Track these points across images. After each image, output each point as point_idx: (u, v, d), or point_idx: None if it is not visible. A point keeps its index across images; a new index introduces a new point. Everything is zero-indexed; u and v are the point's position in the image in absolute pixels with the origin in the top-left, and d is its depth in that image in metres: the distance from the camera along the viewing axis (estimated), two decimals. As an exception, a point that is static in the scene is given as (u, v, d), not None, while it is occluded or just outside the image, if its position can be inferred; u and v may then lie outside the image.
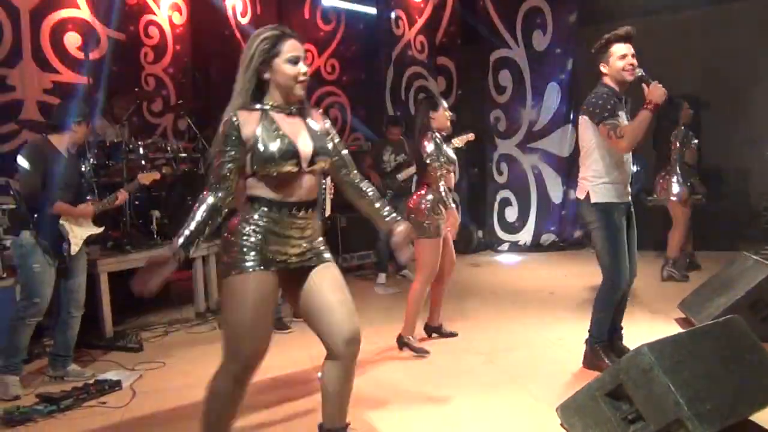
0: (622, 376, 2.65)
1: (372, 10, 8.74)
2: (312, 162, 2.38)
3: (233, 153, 2.31)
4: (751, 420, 2.81)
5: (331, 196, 5.25)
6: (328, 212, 5.22)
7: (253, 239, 2.32)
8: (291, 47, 2.37)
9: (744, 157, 8.39)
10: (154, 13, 7.15)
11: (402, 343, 4.33)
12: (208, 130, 6.87)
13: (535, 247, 8.38)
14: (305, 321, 2.49)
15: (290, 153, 2.32)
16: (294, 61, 2.36)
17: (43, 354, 4.39)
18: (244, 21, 8.04)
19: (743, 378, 2.68)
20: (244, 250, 2.31)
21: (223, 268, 2.35)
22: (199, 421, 2.50)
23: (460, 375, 3.88)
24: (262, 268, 2.31)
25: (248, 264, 2.30)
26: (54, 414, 3.44)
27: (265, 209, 2.34)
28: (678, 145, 6.21)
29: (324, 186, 5.19)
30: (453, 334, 4.66)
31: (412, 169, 6.12)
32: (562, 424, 2.97)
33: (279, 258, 2.36)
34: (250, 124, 2.32)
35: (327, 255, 2.49)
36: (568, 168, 7.88)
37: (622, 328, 3.95)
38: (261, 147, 2.29)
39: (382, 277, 6.73)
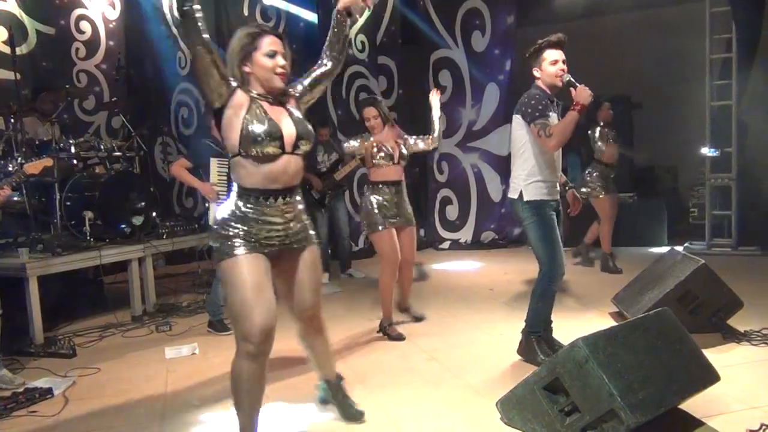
0: (558, 369, 2.72)
1: (312, 16, 8.68)
2: (296, 146, 2.62)
3: (221, 70, 2.51)
4: (681, 408, 2.93)
5: None
6: None
7: (238, 228, 2.56)
8: (268, 42, 2.61)
9: (673, 155, 8.75)
10: (86, 8, 6.91)
11: (382, 328, 4.68)
12: (143, 128, 6.71)
13: (476, 244, 8.50)
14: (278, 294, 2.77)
15: (275, 135, 2.55)
16: (271, 55, 2.59)
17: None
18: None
19: (673, 368, 2.79)
20: (232, 238, 2.56)
21: (216, 255, 2.61)
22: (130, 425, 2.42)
23: (403, 373, 3.90)
24: (248, 252, 2.55)
25: (237, 251, 2.54)
26: (-20, 425, 3.29)
27: (250, 198, 2.58)
28: (598, 144, 6.48)
29: None
30: (420, 318, 5.07)
31: (348, 168, 6.09)
32: (501, 418, 3.03)
33: (263, 242, 2.60)
34: (240, 101, 2.56)
35: (306, 240, 2.76)
36: (507, 167, 8.00)
37: (551, 321, 4.07)
38: (248, 128, 2.51)
39: (324, 277, 6.70)
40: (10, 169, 4.95)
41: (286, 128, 2.60)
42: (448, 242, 8.65)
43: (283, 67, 2.63)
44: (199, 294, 6.31)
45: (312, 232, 2.81)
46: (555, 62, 3.71)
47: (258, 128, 2.52)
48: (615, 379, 2.53)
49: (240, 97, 2.57)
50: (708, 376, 2.90)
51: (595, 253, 6.78)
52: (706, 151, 7.50)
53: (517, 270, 6.75)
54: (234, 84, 2.57)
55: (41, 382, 3.85)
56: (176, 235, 5.95)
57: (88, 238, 5.26)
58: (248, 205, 2.57)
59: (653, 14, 8.60)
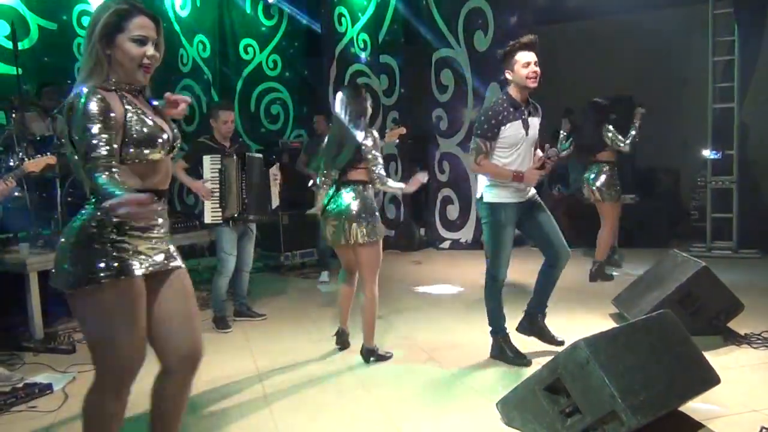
0: (560, 370, 2.72)
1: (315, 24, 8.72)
2: (172, 147, 2.24)
3: (114, 134, 2.03)
4: (681, 411, 2.93)
5: (279, 187, 5.18)
6: (275, 203, 5.15)
7: (116, 242, 2.07)
8: (139, 25, 2.10)
9: (674, 157, 8.74)
10: (88, 3, 6.91)
11: (371, 353, 4.08)
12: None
13: (476, 244, 8.48)
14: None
15: (162, 138, 2.16)
16: (140, 42, 2.10)
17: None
18: (184, 14, 7.86)
19: (674, 370, 2.79)
20: (106, 256, 2.05)
21: (79, 278, 2.04)
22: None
23: (402, 372, 3.90)
24: (127, 274, 2.08)
25: (109, 272, 2.04)
26: (-21, 420, 3.29)
27: None
28: (609, 144, 6.08)
29: (271, 175, 5.10)
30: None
31: None
32: (501, 419, 3.03)
33: (142, 260, 2.13)
34: (114, 104, 2.07)
35: (177, 258, 2.29)
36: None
37: (546, 307, 4.10)
38: (134, 130, 2.09)
39: (324, 275, 6.70)
40: (12, 164, 4.95)
41: (167, 128, 2.22)
42: (449, 242, 8.65)
43: (151, 58, 2.13)
44: (200, 291, 6.31)
45: (178, 256, 2.32)
46: (528, 64, 3.73)
47: (146, 130, 2.11)
48: (616, 381, 2.53)
49: (111, 101, 2.07)
50: (708, 379, 2.90)
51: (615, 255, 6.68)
52: (708, 153, 7.49)
53: (517, 270, 6.71)
54: (104, 102, 2.03)
55: (41, 378, 3.85)
56: (177, 231, 5.94)
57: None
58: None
59: (657, 15, 8.59)
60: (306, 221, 6.04)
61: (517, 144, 3.76)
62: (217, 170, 4.85)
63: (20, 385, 3.67)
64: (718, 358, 3.60)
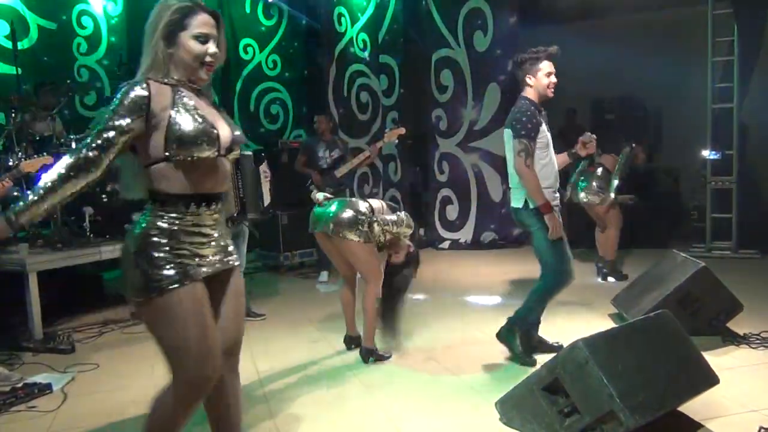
0: (558, 370, 2.72)
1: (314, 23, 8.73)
2: (230, 149, 2.18)
3: (130, 123, 1.98)
4: (680, 411, 2.93)
5: (270, 185, 5.17)
6: (267, 201, 5.14)
7: (176, 248, 2.04)
8: (201, 22, 2.09)
9: (674, 157, 8.74)
10: (88, 3, 6.91)
11: (369, 353, 4.10)
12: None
13: (476, 244, 8.49)
14: None
15: (211, 135, 2.07)
16: (202, 39, 2.09)
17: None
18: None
19: (673, 370, 2.79)
20: (168, 263, 2.02)
21: (144, 287, 2.02)
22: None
23: (401, 372, 3.90)
24: (191, 279, 2.05)
25: (173, 279, 2.02)
26: (-22, 420, 3.29)
27: (180, 206, 2.06)
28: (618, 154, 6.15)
29: (262, 173, 5.10)
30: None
31: (349, 165, 6.25)
32: (500, 418, 3.03)
33: (203, 263, 2.10)
34: (162, 98, 2.03)
35: (235, 256, 2.26)
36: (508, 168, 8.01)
37: (539, 323, 4.11)
38: (178, 126, 2.01)
39: (323, 275, 6.70)
40: (11, 164, 4.96)
41: (222, 127, 2.15)
42: (448, 242, 8.65)
43: (213, 56, 2.11)
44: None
45: (234, 254, 2.30)
46: (550, 74, 3.79)
47: (191, 126, 2.03)
48: (615, 381, 2.54)
49: (159, 94, 2.04)
50: (707, 379, 2.91)
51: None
52: (707, 153, 7.49)
53: (517, 270, 6.75)
54: (145, 92, 2.01)
55: (40, 378, 3.85)
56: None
57: (88, 233, 5.26)
58: (179, 218, 2.07)
59: (656, 16, 8.60)
60: (305, 221, 6.06)
61: (548, 145, 3.79)
62: None
63: (20, 384, 3.67)
64: (717, 359, 3.60)
